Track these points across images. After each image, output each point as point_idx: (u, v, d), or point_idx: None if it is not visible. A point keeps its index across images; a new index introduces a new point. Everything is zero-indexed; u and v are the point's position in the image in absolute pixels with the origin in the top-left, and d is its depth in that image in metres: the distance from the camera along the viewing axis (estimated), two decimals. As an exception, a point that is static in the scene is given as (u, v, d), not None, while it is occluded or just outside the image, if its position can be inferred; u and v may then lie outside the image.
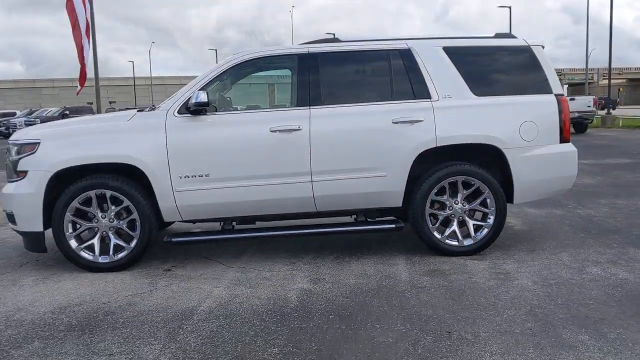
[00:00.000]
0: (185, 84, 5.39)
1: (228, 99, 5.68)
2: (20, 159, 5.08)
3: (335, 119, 5.16)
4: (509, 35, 5.70)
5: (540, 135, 5.30)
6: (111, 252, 5.12)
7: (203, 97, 4.94)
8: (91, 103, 47.09)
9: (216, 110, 5.24)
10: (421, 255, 5.32)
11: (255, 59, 5.34)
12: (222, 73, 5.26)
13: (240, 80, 5.63)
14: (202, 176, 5.06)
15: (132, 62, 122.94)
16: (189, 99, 5.07)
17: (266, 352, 3.34)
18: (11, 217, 5.22)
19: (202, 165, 5.06)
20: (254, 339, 3.53)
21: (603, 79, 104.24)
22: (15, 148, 5.17)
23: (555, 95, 5.39)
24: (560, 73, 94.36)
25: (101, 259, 5.12)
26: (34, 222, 5.04)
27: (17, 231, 5.28)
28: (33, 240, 5.16)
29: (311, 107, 5.16)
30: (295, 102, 5.24)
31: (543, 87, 5.41)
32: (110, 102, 50.66)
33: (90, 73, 16.45)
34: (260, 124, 5.13)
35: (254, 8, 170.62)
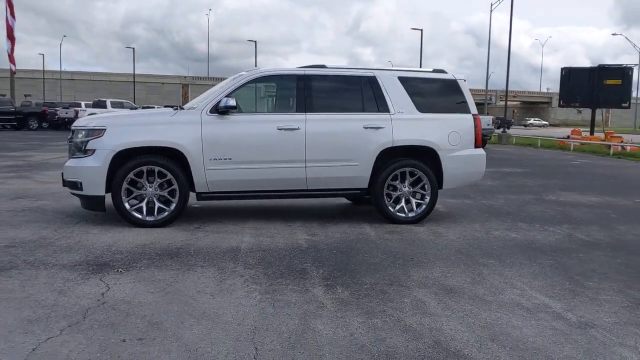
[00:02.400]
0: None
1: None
2: (89, 140, 6.78)
3: (323, 123, 7.25)
4: (442, 71, 8.02)
5: (461, 142, 7.64)
6: (155, 213, 6.91)
7: (232, 102, 6.87)
8: (4, 95, 46.15)
9: (237, 111, 7.15)
10: (379, 223, 7.47)
11: (267, 75, 7.36)
12: (243, 84, 7.20)
13: (252, 90, 7.57)
14: (226, 159, 6.98)
15: (43, 55, 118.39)
16: (219, 102, 6.97)
17: (304, 264, 5.37)
18: (75, 184, 6.88)
19: (227, 151, 6.98)
20: (292, 260, 5.53)
21: (500, 100, 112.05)
22: (83, 132, 6.86)
23: (472, 114, 7.76)
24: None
25: (148, 218, 6.90)
26: (98, 188, 6.77)
27: (80, 195, 6.94)
28: (96, 202, 6.87)
29: (306, 113, 7.21)
30: (295, 109, 7.28)
31: (464, 108, 7.77)
32: (26, 96, 49.80)
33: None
34: (271, 123, 7.14)
35: (164, 6, 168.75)
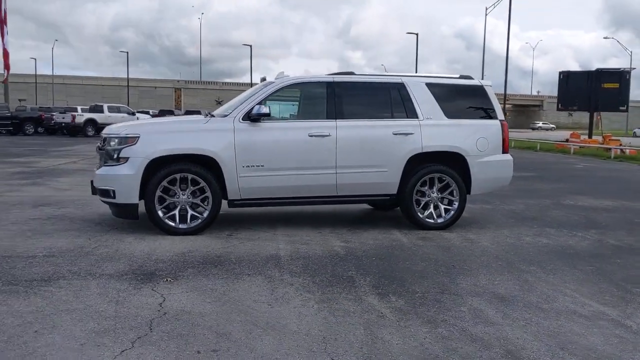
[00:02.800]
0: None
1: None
2: (122, 148, 6.77)
3: (353, 129, 7.27)
4: (468, 77, 8.06)
5: (489, 147, 7.68)
6: (188, 221, 6.90)
7: (265, 109, 6.88)
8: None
9: (268, 118, 7.15)
10: (408, 229, 7.49)
11: (297, 83, 7.38)
12: (274, 92, 7.21)
13: (283, 97, 7.58)
14: (259, 166, 6.99)
15: (35, 59, 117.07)
16: (251, 109, 6.97)
17: (349, 272, 5.38)
18: (106, 192, 6.86)
19: (259, 158, 6.98)
20: (335, 268, 5.54)
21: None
22: (116, 139, 6.84)
23: (499, 120, 7.81)
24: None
25: (181, 226, 6.88)
26: (132, 196, 6.75)
27: (113, 203, 6.91)
28: (129, 210, 6.85)
29: (337, 120, 7.23)
30: (325, 115, 7.29)
31: (491, 114, 7.82)
32: (20, 100, 49.51)
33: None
34: (302, 130, 7.15)
35: (154, 10, 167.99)
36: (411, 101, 7.53)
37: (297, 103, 7.65)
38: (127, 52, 69.82)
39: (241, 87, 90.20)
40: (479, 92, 7.89)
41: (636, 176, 16.61)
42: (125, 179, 6.74)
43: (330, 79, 7.46)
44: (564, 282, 5.25)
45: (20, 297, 4.50)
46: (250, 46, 60.78)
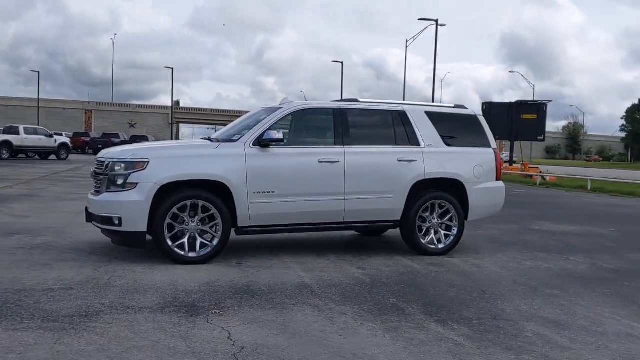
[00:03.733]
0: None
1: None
2: (130, 173, 6.45)
3: (361, 156, 7.30)
4: (462, 107, 8.32)
5: (485, 175, 7.94)
6: (198, 249, 6.64)
7: (279, 135, 6.78)
8: None
9: (278, 144, 7.04)
10: (409, 255, 7.56)
11: (305, 109, 7.34)
12: (283, 117, 7.13)
13: (290, 122, 7.48)
14: (269, 192, 6.86)
15: None
16: (262, 134, 6.85)
17: (389, 300, 5.36)
18: (109, 220, 6.49)
19: (270, 184, 6.86)
20: (372, 295, 5.50)
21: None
22: (122, 164, 6.51)
23: (492, 149, 8.10)
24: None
25: (190, 254, 6.61)
26: (140, 223, 6.43)
27: (117, 231, 6.54)
28: (136, 238, 6.51)
29: (345, 146, 7.24)
30: (333, 142, 7.28)
31: (485, 142, 8.10)
32: None
33: None
34: (312, 155, 7.10)
35: (57, 28, 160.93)
36: (413, 129, 7.68)
37: (304, 129, 7.55)
38: (39, 72, 66.73)
39: (156, 110, 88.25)
40: (473, 121, 8.16)
41: (573, 202, 17.64)
42: (133, 205, 6.41)
43: (337, 105, 7.49)
44: (597, 305, 5.47)
45: (72, 334, 4.15)
46: (172, 69, 59.57)
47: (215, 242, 6.71)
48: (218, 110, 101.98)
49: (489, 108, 31.77)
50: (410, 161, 7.50)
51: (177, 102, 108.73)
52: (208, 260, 6.68)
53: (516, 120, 30.49)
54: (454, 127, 8.03)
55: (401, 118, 7.69)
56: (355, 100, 7.73)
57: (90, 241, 7.70)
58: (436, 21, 36.65)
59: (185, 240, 6.63)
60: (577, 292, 5.96)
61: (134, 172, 6.46)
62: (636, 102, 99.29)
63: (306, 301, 5.23)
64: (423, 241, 7.62)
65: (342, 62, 52.42)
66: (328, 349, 4.05)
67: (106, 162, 6.71)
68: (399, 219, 7.54)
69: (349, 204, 7.21)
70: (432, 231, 7.71)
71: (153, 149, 6.90)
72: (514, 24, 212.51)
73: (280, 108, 7.29)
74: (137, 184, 6.44)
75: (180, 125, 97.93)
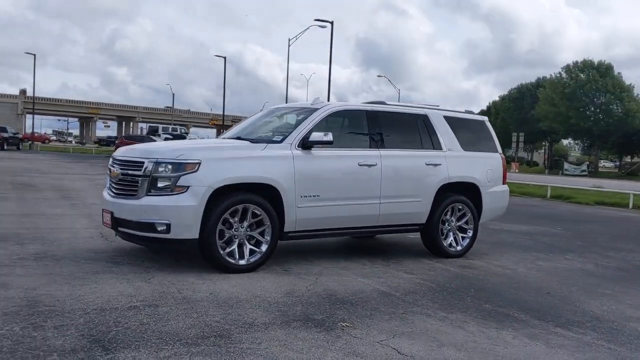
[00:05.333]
0: None
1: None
2: (181, 175, 5.89)
3: (395, 159, 7.26)
4: (471, 112, 8.55)
5: (494, 179, 8.24)
6: (247, 256, 6.23)
7: (328, 137, 6.52)
8: None
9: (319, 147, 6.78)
10: (432, 258, 7.64)
11: (342, 110, 7.14)
12: (323, 119, 6.88)
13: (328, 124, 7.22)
14: (315, 196, 6.61)
15: None
16: (308, 136, 6.57)
17: (475, 304, 5.39)
18: (151, 226, 5.89)
19: (315, 187, 6.60)
20: (455, 299, 5.50)
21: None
22: (170, 165, 5.93)
23: (499, 153, 8.43)
24: (238, 120, 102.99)
25: (240, 262, 6.19)
26: (192, 230, 5.90)
27: (161, 239, 5.94)
28: (185, 246, 5.96)
29: (380, 149, 7.16)
30: (368, 145, 7.16)
31: (493, 147, 8.41)
32: None
33: None
34: (352, 159, 6.94)
35: None
36: (435, 133, 7.77)
37: (340, 131, 7.31)
38: None
39: (2, 99, 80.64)
40: (483, 126, 8.43)
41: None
42: (186, 210, 5.86)
43: (370, 107, 7.38)
44: (655, 302, 5.90)
45: (237, 357, 3.73)
46: (34, 55, 54.77)
47: (263, 248, 6.32)
48: (74, 102, 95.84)
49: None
50: (435, 165, 7.58)
51: (24, 91, 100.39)
52: (256, 268, 6.29)
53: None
54: (467, 131, 8.23)
55: (424, 122, 7.75)
56: (383, 103, 7.66)
57: (86, 248, 7.05)
58: (331, 23, 37.21)
59: (235, 247, 6.19)
60: (626, 291, 6.36)
61: (185, 174, 5.91)
62: (473, 108, 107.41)
63: (412, 309, 5.11)
64: (445, 244, 7.74)
65: (224, 57, 51.29)
66: (498, 358, 3.99)
67: (143, 163, 6.06)
68: (424, 222, 7.59)
69: (383, 208, 7.14)
70: (451, 234, 7.85)
71: (202, 149, 6.33)
72: (369, 30, 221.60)
73: (319, 109, 7.02)
74: (188, 187, 5.90)
75: (27, 115, 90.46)
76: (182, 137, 44.55)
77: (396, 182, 7.22)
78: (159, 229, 5.88)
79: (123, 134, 62.74)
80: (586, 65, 59.99)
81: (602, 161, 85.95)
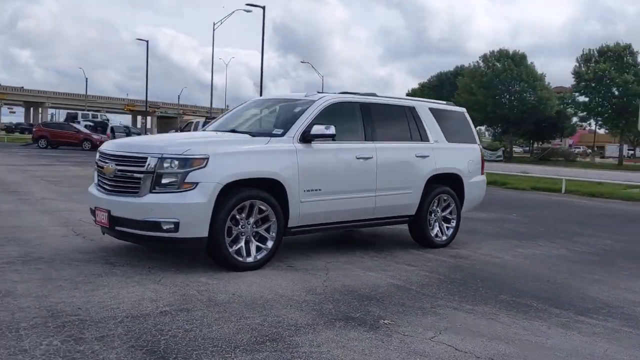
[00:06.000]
0: None
1: None
2: (189, 171, 5.65)
3: (388, 152, 7.28)
4: (452, 103, 8.69)
5: (475, 170, 8.44)
6: (254, 253, 6.08)
7: (330, 130, 6.43)
8: None
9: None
10: (420, 249, 7.74)
11: (339, 102, 7.06)
12: (322, 111, 6.77)
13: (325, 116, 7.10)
14: (317, 190, 6.53)
15: None
16: (309, 129, 6.45)
17: (492, 295, 5.53)
18: (157, 225, 5.63)
19: (317, 181, 6.53)
20: (470, 291, 5.62)
21: (186, 114, 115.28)
22: (177, 161, 5.68)
23: (478, 144, 8.63)
24: (156, 106, 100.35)
25: (248, 259, 6.03)
26: (201, 228, 5.69)
27: (168, 238, 5.69)
28: (193, 246, 5.74)
29: (375, 142, 7.16)
30: (363, 137, 7.13)
31: (472, 138, 8.60)
32: None
33: None
34: (350, 152, 6.90)
35: None
36: (423, 125, 7.85)
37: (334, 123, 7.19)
38: None
39: None
40: (462, 117, 8.59)
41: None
42: (195, 208, 5.63)
43: (363, 99, 7.33)
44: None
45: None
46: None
47: (269, 244, 6.19)
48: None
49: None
50: (424, 157, 7.67)
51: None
52: (263, 265, 6.15)
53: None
54: (450, 123, 8.35)
55: (412, 113, 7.81)
56: (374, 95, 7.64)
57: (69, 248, 6.71)
58: (263, 8, 36.70)
59: (242, 244, 6.02)
60: (608, 275, 6.69)
61: (193, 169, 5.67)
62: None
63: (437, 303, 5.17)
64: (432, 234, 7.86)
65: (147, 41, 49.51)
66: (566, 355, 4.10)
67: (146, 158, 5.76)
68: (413, 213, 7.67)
69: (379, 201, 7.16)
70: (437, 224, 7.97)
71: (208, 144, 6.07)
72: (285, 15, 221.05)
73: (316, 101, 6.90)
74: (197, 183, 5.67)
75: None
76: (104, 124, 42.81)
77: (390, 175, 7.25)
78: (165, 227, 5.63)
79: (40, 121, 59.25)
80: (502, 55, 62.31)
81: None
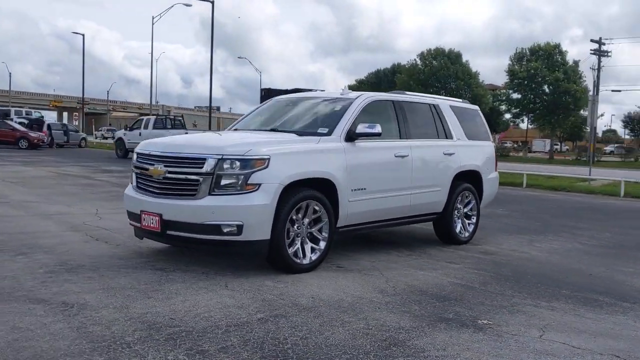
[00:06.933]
0: None
1: None
2: (252, 172, 5.47)
3: (422, 150, 7.30)
4: (466, 101, 8.79)
5: (490, 166, 8.59)
6: (309, 255, 5.97)
7: (377, 129, 6.38)
8: None
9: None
10: (447, 245, 7.81)
11: (376, 100, 7.01)
12: (363, 109, 6.71)
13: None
14: (362, 189, 6.47)
15: None
16: (354, 128, 6.38)
17: (548, 289, 5.65)
18: (217, 229, 5.43)
19: (362, 180, 6.47)
20: (530, 286, 5.72)
21: (116, 110, 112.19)
22: (238, 162, 5.48)
23: (492, 142, 8.79)
24: (86, 102, 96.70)
25: (304, 262, 5.91)
26: (264, 230, 5.52)
27: (230, 241, 5.49)
28: (256, 249, 5.56)
29: (409, 140, 7.17)
30: (399, 135, 7.12)
31: (487, 136, 8.75)
32: None
33: None
34: (390, 150, 6.88)
35: None
36: (447, 122, 7.92)
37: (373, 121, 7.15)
38: None
39: None
40: (477, 115, 8.72)
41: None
42: (260, 210, 5.46)
43: (396, 97, 7.33)
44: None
45: None
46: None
47: (322, 245, 6.08)
48: None
49: (268, 93, 32.51)
50: (451, 154, 7.74)
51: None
52: (316, 267, 6.04)
53: (291, 107, 31.79)
54: (468, 120, 8.45)
55: (437, 111, 7.86)
56: (404, 93, 7.64)
57: (101, 254, 6.46)
58: (212, 2, 35.96)
59: (299, 245, 5.89)
60: (633, 267, 6.96)
61: (256, 170, 5.49)
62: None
63: (513, 301, 5.22)
64: (457, 231, 7.94)
65: (83, 35, 47.59)
66: (659, 344, 4.23)
67: (204, 159, 5.53)
68: (441, 210, 7.72)
69: (414, 199, 7.18)
70: (459, 221, 8.06)
71: (266, 144, 5.87)
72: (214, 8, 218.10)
73: (355, 99, 6.83)
74: (260, 184, 5.49)
75: None
76: (39, 121, 40.80)
77: (423, 173, 7.28)
78: (226, 230, 5.43)
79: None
80: (438, 53, 63.84)
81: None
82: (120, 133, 31.25)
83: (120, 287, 5.08)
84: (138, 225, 5.99)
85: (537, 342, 4.14)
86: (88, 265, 5.82)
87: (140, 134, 28.85)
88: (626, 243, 8.77)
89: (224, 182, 5.47)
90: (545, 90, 57.63)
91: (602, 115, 63.71)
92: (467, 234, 8.08)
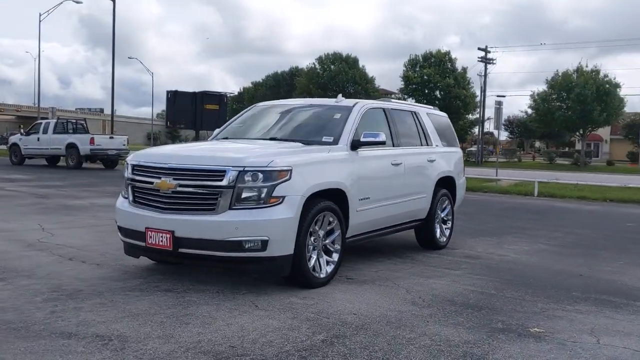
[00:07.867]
0: None
1: None
2: (276, 185, 5.22)
3: (411, 157, 7.33)
4: (435, 108, 8.91)
5: (460, 172, 8.79)
6: (325, 268, 5.79)
7: (381, 137, 6.30)
8: None
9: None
10: (430, 251, 7.89)
11: (372, 108, 6.93)
12: (362, 117, 6.61)
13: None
14: (367, 198, 6.39)
15: None
16: (357, 136, 6.28)
17: (573, 292, 5.87)
18: (239, 245, 5.13)
19: (367, 189, 6.38)
20: (538, 290, 5.89)
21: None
22: (261, 174, 5.20)
23: (459, 148, 9.00)
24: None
25: (321, 275, 5.72)
26: (289, 245, 5.28)
27: (252, 258, 5.21)
28: (280, 264, 5.29)
29: (401, 148, 7.17)
30: (392, 144, 7.09)
31: (456, 142, 8.94)
32: None
33: None
34: (387, 158, 6.84)
35: None
36: (427, 129, 8.00)
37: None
38: None
39: None
40: (447, 122, 8.88)
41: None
42: (286, 223, 5.22)
43: (385, 105, 7.30)
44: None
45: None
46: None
47: (335, 257, 5.92)
48: None
49: (174, 96, 31.62)
50: (432, 161, 7.82)
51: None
52: (330, 280, 5.87)
53: (200, 110, 31.12)
54: (441, 127, 8.58)
55: (417, 118, 7.92)
56: (389, 100, 7.62)
57: (99, 276, 5.89)
58: (113, 0, 34.20)
59: (316, 259, 5.69)
60: (609, 265, 7.36)
61: (279, 182, 5.23)
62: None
63: (541, 306, 5.31)
64: (438, 236, 8.04)
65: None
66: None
67: (224, 172, 5.19)
68: (424, 217, 7.78)
69: (405, 206, 7.18)
70: (438, 226, 8.17)
71: (287, 154, 5.58)
72: (93, 5, 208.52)
73: (354, 106, 6.70)
74: (284, 197, 5.24)
75: None
76: None
77: (413, 180, 7.30)
78: (248, 246, 5.14)
79: None
80: (336, 58, 64.91)
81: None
82: (15, 138, 28.99)
83: (144, 313, 4.65)
84: (141, 243, 5.51)
85: (600, 347, 4.23)
86: (86, 290, 5.29)
87: (38, 139, 26.99)
88: (582, 242, 9.25)
89: (245, 195, 5.16)
90: (438, 96, 60.20)
91: (488, 118, 67.64)
92: (444, 239, 8.20)
